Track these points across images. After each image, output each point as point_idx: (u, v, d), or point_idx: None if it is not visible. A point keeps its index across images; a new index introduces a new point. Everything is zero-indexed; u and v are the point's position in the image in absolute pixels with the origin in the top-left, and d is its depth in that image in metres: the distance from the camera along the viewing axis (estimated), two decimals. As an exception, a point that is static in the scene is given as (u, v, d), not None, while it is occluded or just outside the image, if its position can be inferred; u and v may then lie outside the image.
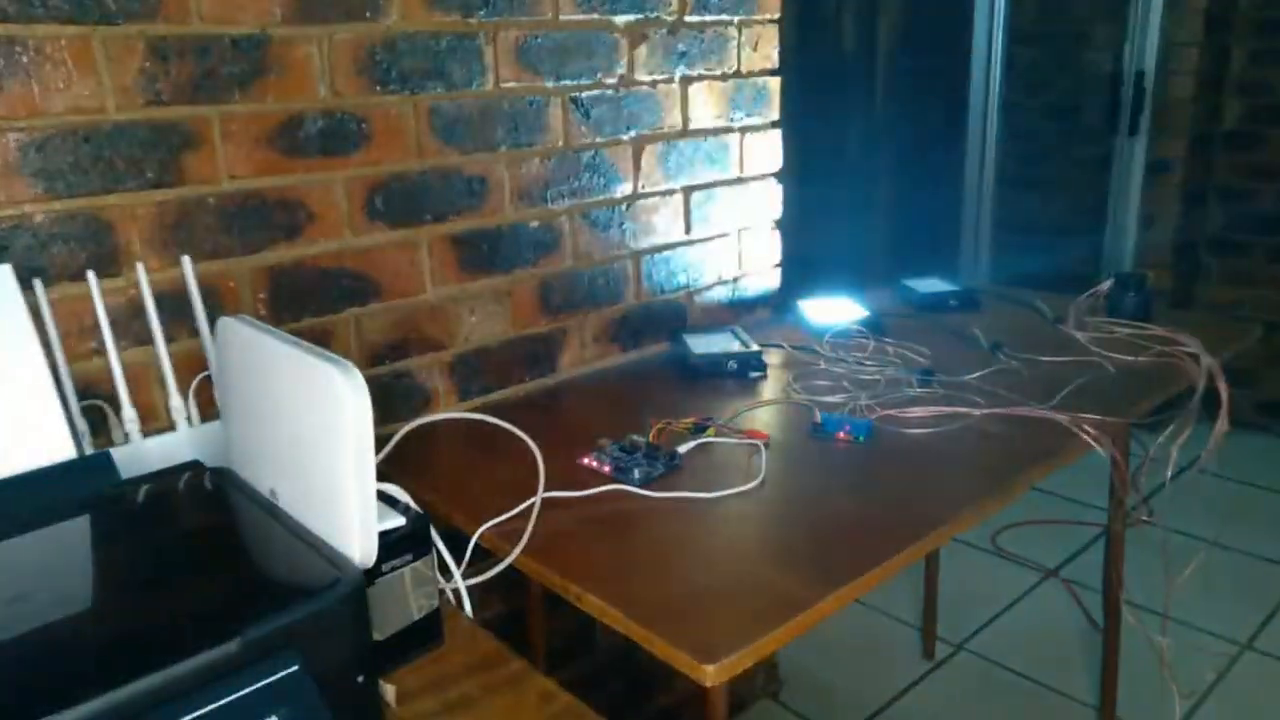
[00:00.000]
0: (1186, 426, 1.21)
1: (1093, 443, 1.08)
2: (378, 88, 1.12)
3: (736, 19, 1.48)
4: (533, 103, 1.26)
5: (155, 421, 0.99)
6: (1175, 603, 1.91)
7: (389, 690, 0.68)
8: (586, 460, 1.07)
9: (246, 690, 0.56)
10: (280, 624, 0.59)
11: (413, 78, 1.14)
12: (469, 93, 1.20)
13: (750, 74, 1.52)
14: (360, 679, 0.64)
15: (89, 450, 0.85)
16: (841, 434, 1.12)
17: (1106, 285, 1.53)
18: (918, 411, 1.17)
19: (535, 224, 1.31)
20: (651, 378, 1.36)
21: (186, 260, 1.00)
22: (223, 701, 0.56)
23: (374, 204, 1.14)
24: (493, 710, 0.71)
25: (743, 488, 1.00)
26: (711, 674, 0.72)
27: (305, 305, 1.11)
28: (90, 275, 0.94)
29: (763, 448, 1.09)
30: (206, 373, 1.01)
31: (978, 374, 1.28)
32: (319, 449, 0.67)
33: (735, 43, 1.49)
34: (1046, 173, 2.80)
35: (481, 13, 1.19)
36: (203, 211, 1.02)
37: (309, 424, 0.68)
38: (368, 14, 1.09)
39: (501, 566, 0.88)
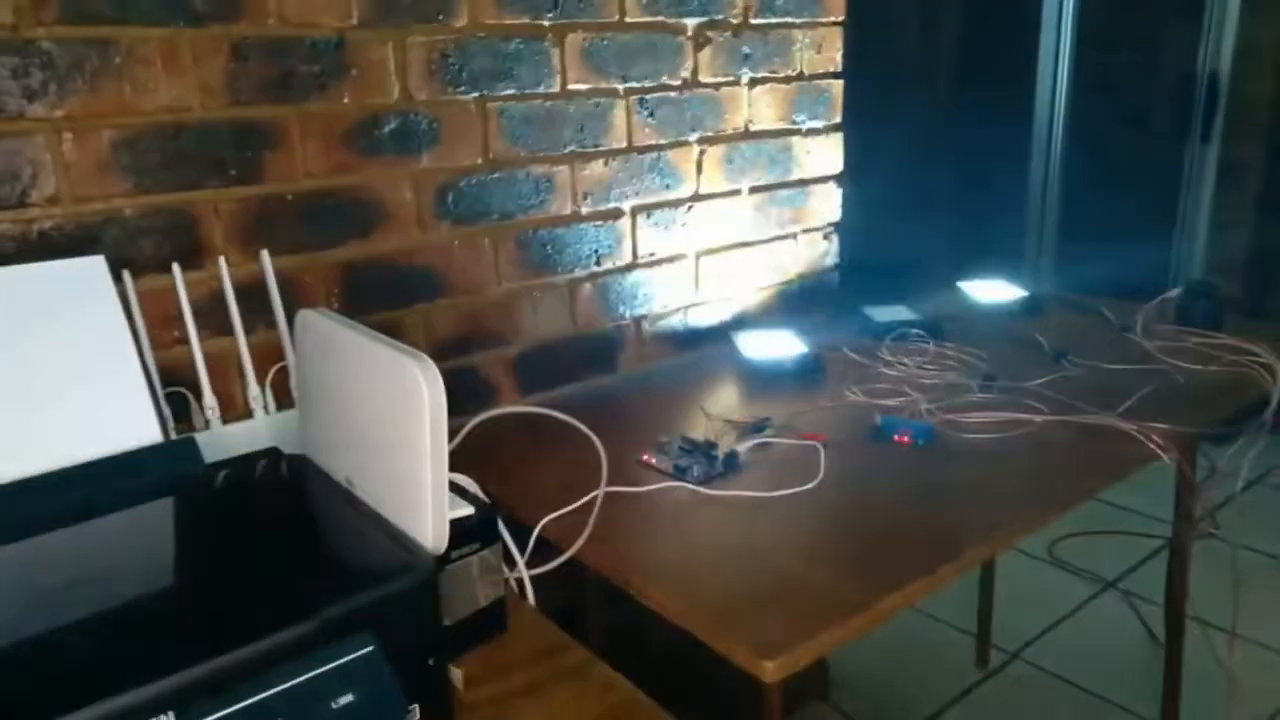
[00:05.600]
0: (1258, 439, 1.18)
1: (1160, 452, 1.06)
2: (449, 89, 1.14)
3: (800, 21, 1.48)
4: (599, 104, 1.28)
5: (233, 409, 1.03)
6: (1242, 620, 1.86)
7: (457, 675, 0.70)
8: (646, 457, 1.08)
9: (324, 668, 0.59)
10: (357, 605, 0.61)
11: (482, 79, 1.17)
12: (537, 94, 1.22)
13: (813, 77, 1.52)
14: (431, 662, 0.66)
15: (173, 435, 0.89)
16: (901, 437, 1.11)
17: (1176, 292, 1.50)
18: (979, 416, 1.16)
19: (599, 224, 1.32)
20: (709, 377, 1.37)
21: (265, 255, 1.04)
22: (302, 678, 0.58)
23: (444, 202, 1.17)
24: (556, 698, 0.73)
25: (801, 488, 1.01)
26: (771, 670, 0.73)
27: (377, 300, 1.14)
28: (175, 268, 0.98)
29: (821, 449, 1.09)
30: (282, 363, 1.04)
31: (1041, 380, 1.26)
32: (395, 438, 0.69)
33: (799, 45, 1.49)
34: (1114, 177, 2.74)
35: (550, 15, 1.21)
36: (281, 208, 1.05)
37: (385, 414, 0.70)
38: (440, 16, 1.12)
39: (564, 557, 0.90)
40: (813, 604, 0.80)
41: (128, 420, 0.79)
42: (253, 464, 0.84)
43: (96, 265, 0.83)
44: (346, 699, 0.58)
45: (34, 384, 0.77)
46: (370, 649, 0.60)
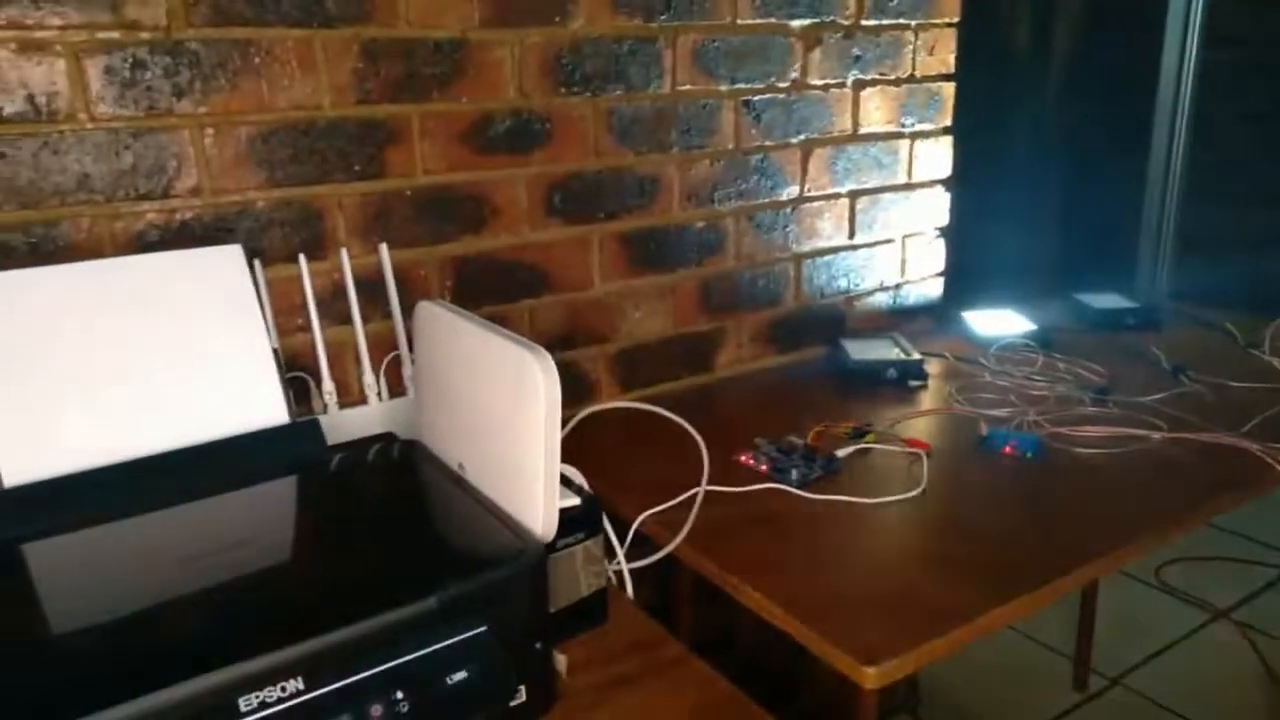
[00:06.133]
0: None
1: (1289, 476, 1.01)
2: (562, 89, 1.17)
3: (914, 23, 1.46)
4: (706, 105, 1.29)
5: (348, 395, 1.07)
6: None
7: (561, 660, 0.72)
8: (743, 458, 1.08)
9: (441, 645, 0.61)
10: (473, 587, 0.63)
11: (594, 80, 1.19)
12: (646, 95, 1.23)
13: (925, 79, 1.50)
14: (538, 646, 0.68)
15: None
16: (1008, 449, 1.09)
17: (1309, 309, 1.42)
18: (1090, 431, 1.13)
19: (701, 224, 1.33)
20: (808, 381, 1.36)
21: (384, 248, 1.08)
22: (420, 653, 0.61)
23: (552, 201, 1.20)
24: (655, 690, 0.74)
25: (903, 496, 0.99)
26: (872, 676, 0.73)
27: (486, 294, 1.17)
28: (301, 258, 1.03)
29: (924, 457, 1.07)
30: (395, 353, 1.08)
31: (1158, 396, 1.22)
32: (509, 427, 0.71)
33: (911, 47, 1.47)
34: (1239, 185, 2.60)
35: (663, 17, 1.22)
36: (400, 203, 1.09)
37: (500, 404, 0.73)
38: (557, 19, 1.14)
39: (663, 553, 0.91)
40: (917, 613, 0.79)
41: (258, 401, 0.84)
42: (370, 447, 0.88)
43: (234, 253, 0.88)
44: (461, 675, 0.61)
45: (175, 363, 0.82)
46: (484, 629, 0.63)
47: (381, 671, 0.59)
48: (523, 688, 0.65)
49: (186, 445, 0.79)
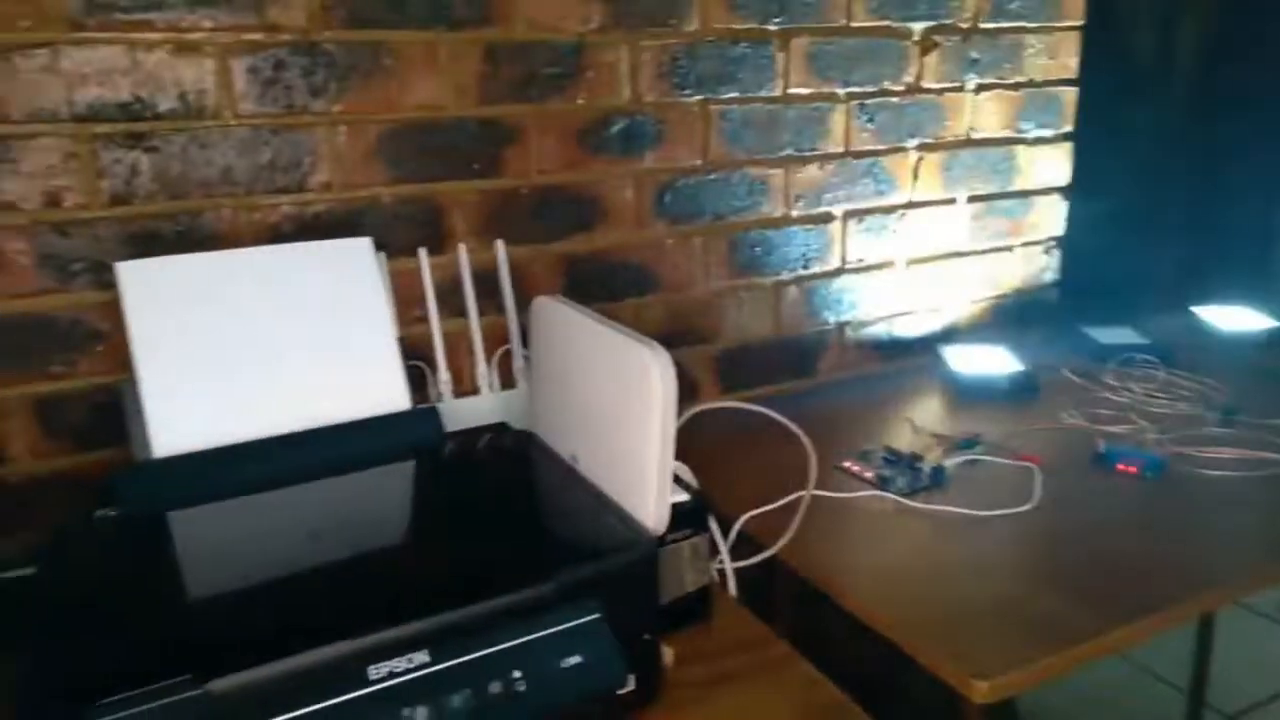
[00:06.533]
0: None
1: None
2: (674, 91, 1.18)
3: (1035, 25, 1.42)
4: (818, 108, 1.28)
5: (460, 385, 1.10)
6: None
7: (668, 652, 0.73)
8: (847, 464, 1.07)
9: (556, 629, 0.63)
10: (588, 574, 0.65)
11: (707, 82, 1.20)
12: (758, 97, 1.24)
13: (1045, 83, 1.46)
14: (646, 637, 0.69)
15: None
16: (1126, 466, 1.05)
17: None
18: (1216, 452, 1.08)
19: (808, 227, 1.32)
20: (913, 389, 1.34)
21: (500, 244, 1.11)
22: (536, 635, 0.62)
23: (661, 201, 1.21)
24: (759, 688, 0.74)
25: (1014, 509, 0.97)
26: (983, 691, 0.71)
27: (594, 292, 1.19)
28: (421, 252, 1.07)
29: (1036, 471, 1.04)
30: (507, 346, 1.11)
31: (1291, 418, 1.15)
32: (624, 422, 0.73)
33: (1032, 50, 1.43)
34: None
35: (777, 20, 1.22)
36: (515, 201, 1.12)
37: (616, 398, 0.74)
38: (672, 21, 1.16)
39: (769, 553, 0.91)
40: (1030, 628, 0.78)
41: (383, 387, 0.88)
42: (485, 435, 0.90)
43: (364, 245, 0.92)
44: (574, 659, 0.62)
45: (309, 347, 0.86)
46: (597, 616, 0.64)
47: (500, 650, 0.61)
48: (631, 677, 0.66)
49: (316, 426, 0.83)
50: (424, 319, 1.07)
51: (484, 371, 1.09)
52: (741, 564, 0.90)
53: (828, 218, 1.33)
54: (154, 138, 0.93)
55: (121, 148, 0.92)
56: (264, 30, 0.95)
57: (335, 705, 0.56)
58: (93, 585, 0.65)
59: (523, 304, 1.11)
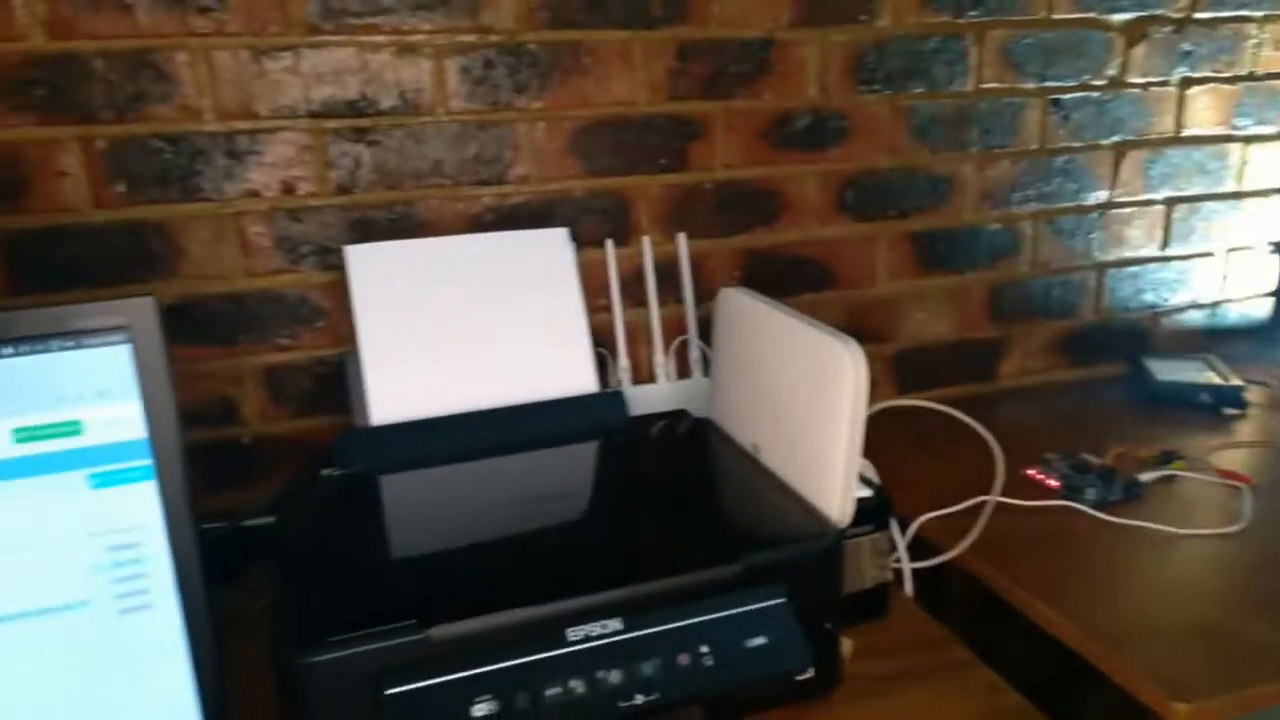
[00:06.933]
0: None
1: None
2: (861, 87, 1.17)
3: (1260, 14, 1.32)
4: (1010, 104, 1.24)
5: (637, 373, 1.14)
6: None
7: (847, 644, 0.73)
8: (1031, 472, 1.04)
9: (741, 609, 0.65)
10: (775, 558, 0.66)
11: (896, 77, 1.18)
12: (947, 92, 1.21)
13: (1267, 76, 1.35)
14: (828, 626, 0.70)
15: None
16: (1352, 492, 0.96)
17: None
18: None
19: (995, 227, 1.28)
20: (1104, 399, 1.27)
21: (681, 237, 1.14)
22: (723, 613, 0.64)
23: (844, 197, 1.20)
24: (939, 689, 0.73)
25: (1219, 530, 0.91)
26: (1184, 714, 0.68)
27: (771, 287, 1.19)
28: (608, 243, 1.11)
29: (1246, 491, 0.98)
30: (683, 336, 1.14)
31: None
32: (812, 414, 0.74)
33: (1254, 41, 1.33)
34: None
35: (972, 13, 1.19)
36: (699, 195, 1.14)
37: (804, 390, 0.75)
38: (863, 17, 1.15)
39: (949, 556, 0.89)
40: (1237, 654, 0.73)
41: (573, 370, 0.92)
42: (665, 421, 0.93)
43: (561, 236, 0.97)
44: (758, 641, 0.64)
45: (509, 329, 0.92)
46: (782, 600, 0.65)
47: (689, 625, 0.63)
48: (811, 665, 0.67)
49: (513, 403, 0.88)
50: (606, 308, 1.11)
51: (661, 360, 1.12)
52: (920, 564, 0.89)
53: (1016, 217, 1.29)
54: (375, 133, 1.01)
55: (348, 141, 1.00)
56: (477, 32, 1.02)
57: (537, 660, 0.60)
58: (322, 535, 0.73)
59: (699, 296, 1.13)
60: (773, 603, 0.65)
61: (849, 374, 0.69)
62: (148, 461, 0.53)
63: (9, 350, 0.49)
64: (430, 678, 0.58)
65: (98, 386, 0.51)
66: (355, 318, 0.89)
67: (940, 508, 0.96)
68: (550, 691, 0.59)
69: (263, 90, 0.97)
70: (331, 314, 1.03)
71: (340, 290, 1.00)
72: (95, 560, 0.53)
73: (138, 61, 0.92)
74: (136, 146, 0.94)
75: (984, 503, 0.95)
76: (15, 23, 0.88)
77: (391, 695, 0.57)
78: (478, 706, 0.58)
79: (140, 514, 0.53)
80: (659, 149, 1.12)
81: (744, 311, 0.86)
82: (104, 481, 0.52)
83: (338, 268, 0.99)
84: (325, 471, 0.82)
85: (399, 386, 0.87)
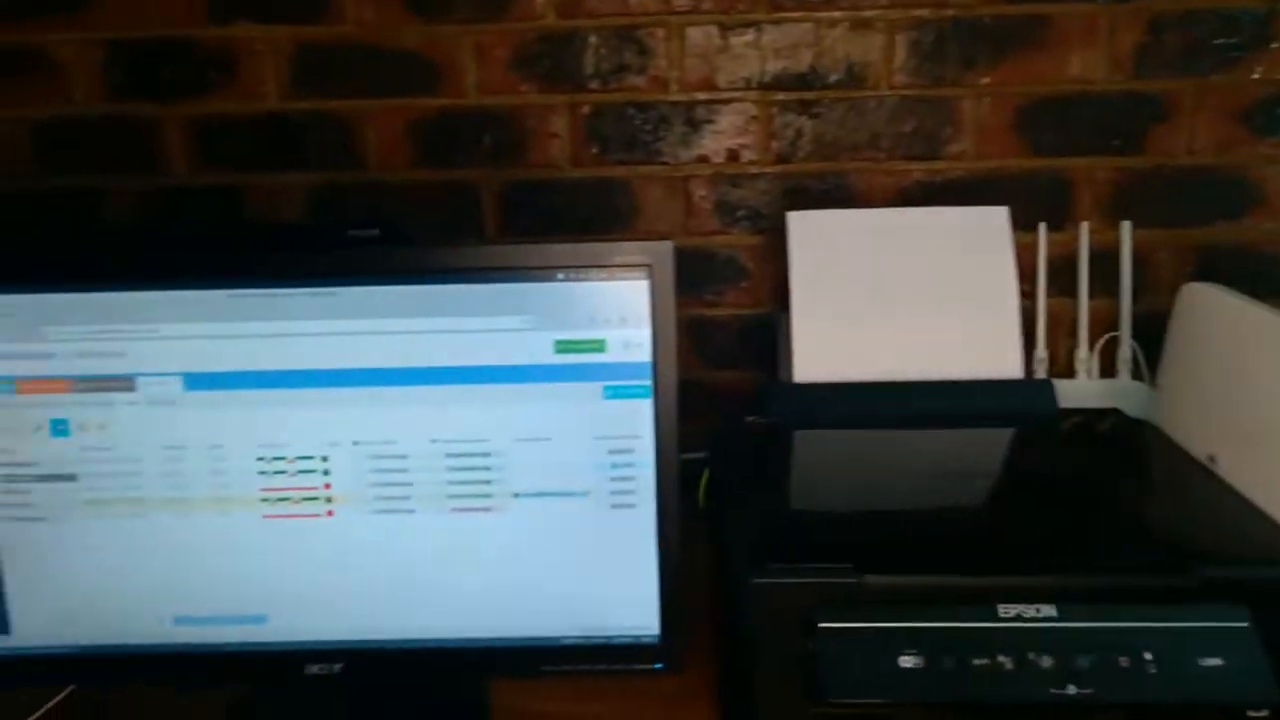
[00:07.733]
0: None
1: None
2: (1384, 64, 0.99)
3: None
4: None
5: (1054, 366, 1.08)
6: None
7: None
8: None
9: (1194, 624, 0.60)
10: (1240, 575, 0.61)
11: None
12: None
13: None
14: (1295, 666, 0.62)
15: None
16: None
17: None
18: None
19: None
20: None
21: (1126, 226, 1.05)
22: (1171, 624, 0.60)
23: None
24: None
25: None
26: None
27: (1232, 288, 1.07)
28: (1041, 227, 1.06)
29: None
30: (1112, 333, 1.06)
31: None
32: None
33: None
34: None
35: None
36: (1152, 181, 1.05)
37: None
38: (1398, -20, 0.97)
39: None
40: None
41: (999, 353, 0.90)
42: (1097, 419, 0.88)
43: (1001, 215, 0.95)
44: (1214, 662, 0.59)
45: (939, 304, 0.92)
46: (1246, 625, 0.60)
47: (1132, 628, 0.60)
48: (1270, 702, 0.61)
49: (934, 378, 0.89)
50: (1028, 295, 1.06)
51: (1084, 356, 1.05)
52: None
53: None
54: (819, 105, 1.05)
55: (792, 113, 1.06)
56: (931, 6, 1.02)
57: (967, 628, 0.61)
58: (757, 476, 0.79)
59: (1138, 292, 1.04)
60: (1234, 625, 0.60)
61: (1361, 391, 0.61)
62: (648, 382, 0.62)
63: (561, 275, 0.60)
64: (862, 621, 0.61)
65: (621, 313, 0.61)
66: (790, 279, 0.94)
67: None
68: (977, 661, 0.60)
69: (724, 64, 1.05)
70: (755, 275, 1.10)
71: (765, 253, 1.06)
72: (598, 460, 0.62)
73: (625, 37, 1.04)
74: (613, 113, 1.07)
75: None
76: (535, 5, 1.04)
77: (825, 629, 0.61)
78: (905, 658, 0.60)
79: (637, 426, 0.62)
80: (1114, 130, 1.04)
81: (1221, 312, 0.79)
82: (614, 394, 0.62)
83: (765, 232, 1.05)
84: (750, 419, 0.89)
85: (824, 348, 0.91)
